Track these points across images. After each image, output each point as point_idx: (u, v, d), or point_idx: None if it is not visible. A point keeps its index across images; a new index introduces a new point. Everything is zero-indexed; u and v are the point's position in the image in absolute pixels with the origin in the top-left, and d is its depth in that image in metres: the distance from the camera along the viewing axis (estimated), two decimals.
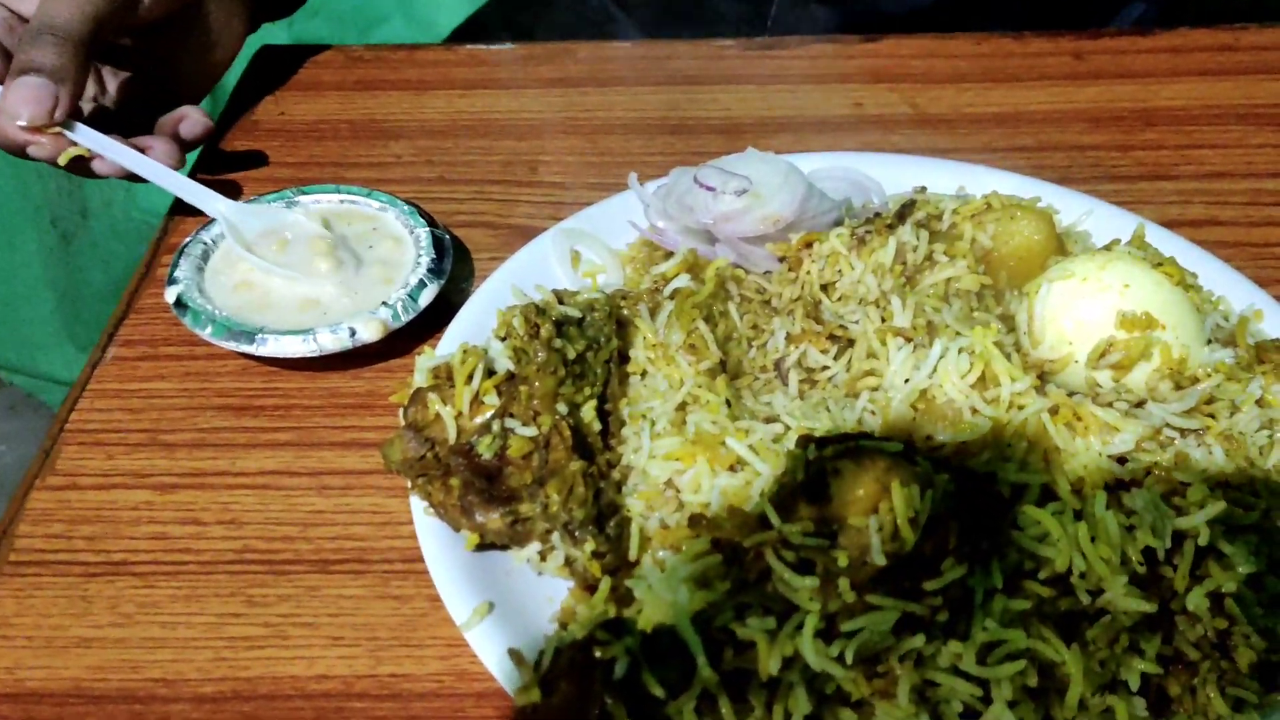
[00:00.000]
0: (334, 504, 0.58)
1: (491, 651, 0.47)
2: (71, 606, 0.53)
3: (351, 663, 0.51)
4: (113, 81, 0.75)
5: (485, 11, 1.27)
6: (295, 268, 0.65)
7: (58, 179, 1.67)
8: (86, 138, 0.68)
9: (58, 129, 0.67)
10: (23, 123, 0.65)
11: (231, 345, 0.62)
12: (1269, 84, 0.84)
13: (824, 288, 0.62)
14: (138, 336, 0.67)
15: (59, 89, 0.65)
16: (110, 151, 0.68)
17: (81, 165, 0.69)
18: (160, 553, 0.55)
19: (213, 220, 0.69)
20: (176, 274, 0.65)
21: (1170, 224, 0.69)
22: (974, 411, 0.50)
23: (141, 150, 0.70)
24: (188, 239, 0.68)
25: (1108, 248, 0.61)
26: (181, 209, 0.75)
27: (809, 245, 0.63)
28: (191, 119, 0.74)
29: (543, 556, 0.50)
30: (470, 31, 1.23)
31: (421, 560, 0.52)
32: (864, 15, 0.98)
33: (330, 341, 0.62)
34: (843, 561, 0.44)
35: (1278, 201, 0.74)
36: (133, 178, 0.69)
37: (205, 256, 0.68)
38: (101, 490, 0.58)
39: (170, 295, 0.64)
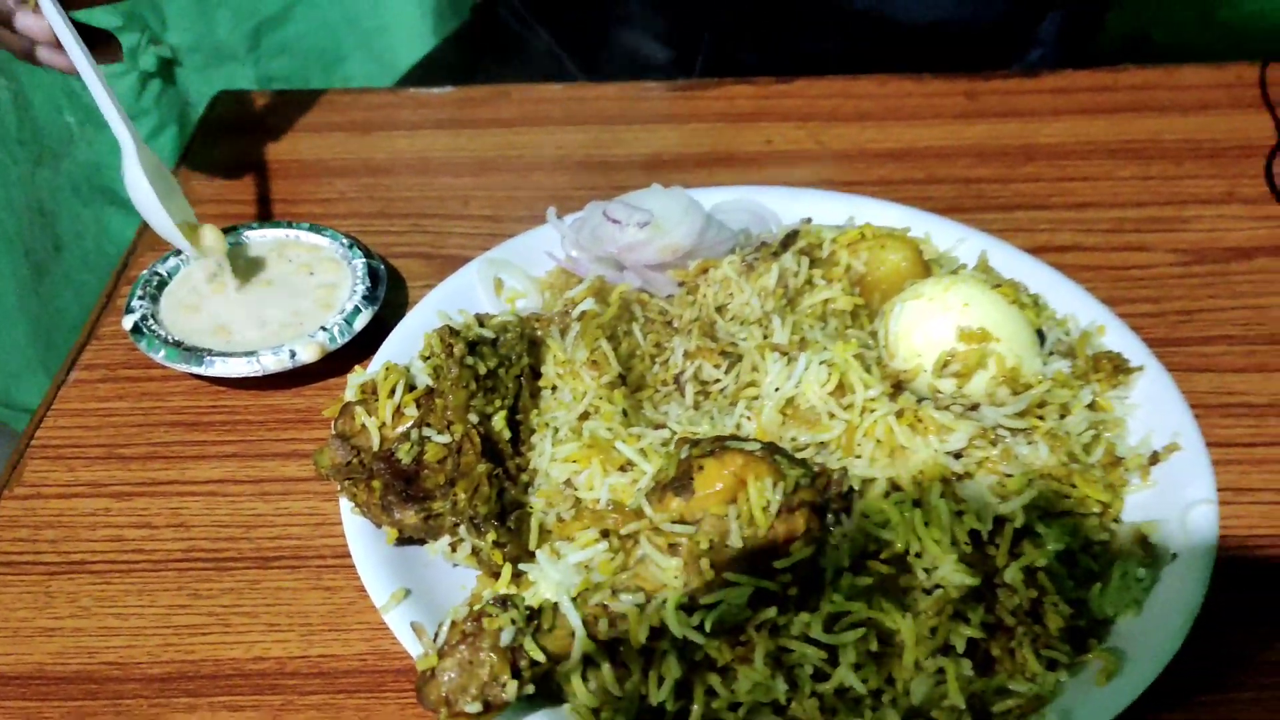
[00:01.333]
0: (274, 508, 0.64)
1: (406, 630, 0.54)
2: (35, 601, 0.59)
3: (286, 645, 0.57)
4: None
5: (442, 49, 1.35)
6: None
7: (30, 213, 1.73)
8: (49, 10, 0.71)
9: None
10: None
11: (182, 367, 0.69)
12: (1140, 121, 0.92)
13: (718, 309, 0.69)
14: (98, 361, 0.74)
15: None
16: (66, 41, 0.71)
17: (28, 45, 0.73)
18: (115, 553, 0.62)
19: (168, 254, 0.75)
20: (133, 303, 0.72)
21: (1039, 249, 0.77)
22: (831, 416, 0.57)
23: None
24: (144, 271, 0.75)
25: (954, 272, 0.69)
26: (139, 245, 0.82)
27: (705, 271, 0.70)
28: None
29: (453, 548, 0.57)
30: (427, 67, 1.31)
31: (350, 556, 0.58)
32: (786, 60, 1.07)
33: (272, 362, 0.68)
34: (704, 544, 0.50)
35: (1137, 229, 0.82)
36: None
37: (160, 287, 0.74)
38: (63, 499, 0.65)
39: (127, 323, 0.71)
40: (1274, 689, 0.54)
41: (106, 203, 1.97)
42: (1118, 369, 0.65)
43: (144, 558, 0.62)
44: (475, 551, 0.56)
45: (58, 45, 0.73)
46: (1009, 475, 0.54)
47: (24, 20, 0.72)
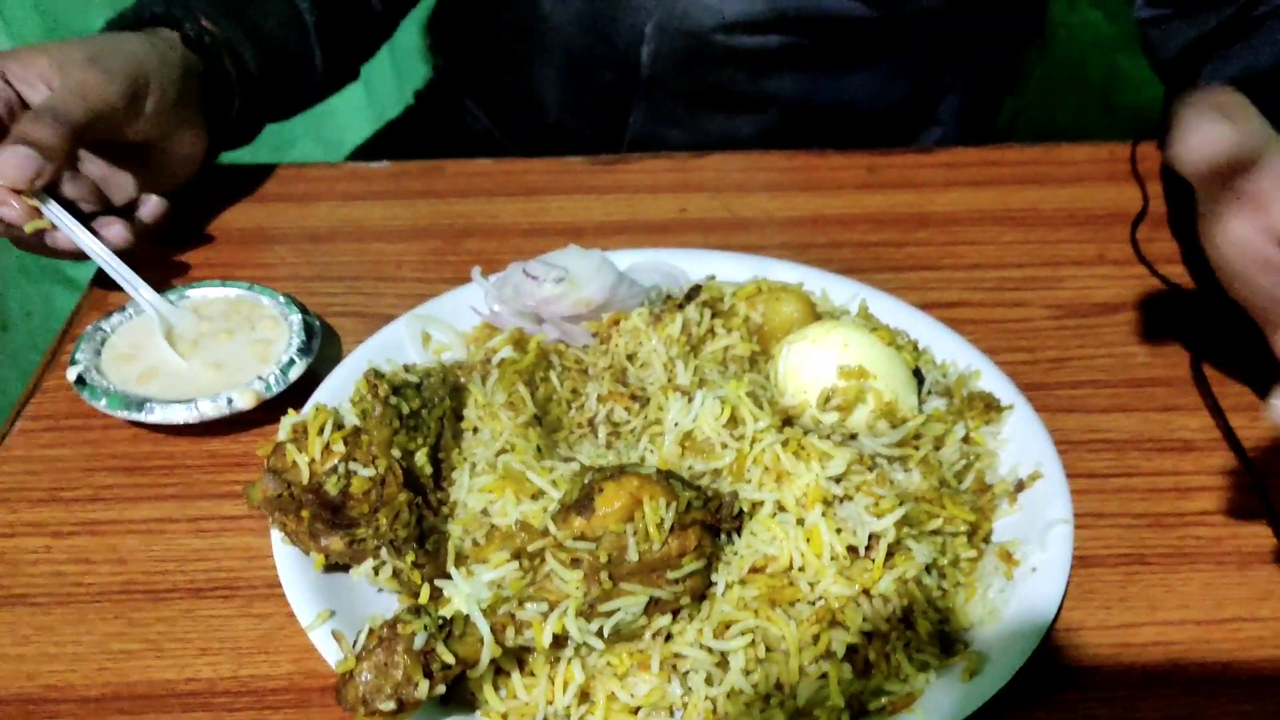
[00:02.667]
0: (209, 544, 0.68)
1: (330, 645, 0.58)
2: None
3: (217, 668, 0.61)
4: (87, 166, 0.86)
5: (385, 131, 1.42)
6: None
7: None
8: (53, 213, 0.79)
9: (33, 201, 0.78)
10: (4, 182, 0.75)
11: (124, 415, 0.73)
12: (1023, 192, 1.00)
13: (629, 357, 0.75)
14: (42, 412, 0.77)
15: (45, 163, 0.76)
16: (69, 229, 0.79)
17: (39, 238, 0.80)
18: (55, 587, 0.65)
19: (111, 311, 0.80)
20: (77, 356, 0.76)
21: (929, 305, 0.84)
22: (724, 445, 0.63)
23: (96, 230, 0.82)
24: (89, 327, 0.79)
25: (835, 318, 0.75)
26: (84, 306, 0.86)
27: (617, 323, 0.76)
28: (151, 203, 0.87)
29: (376, 571, 0.61)
30: (373, 147, 1.37)
31: (280, 585, 0.62)
32: (706, 136, 1.15)
33: (210, 409, 0.73)
34: (603, 558, 0.55)
35: (1017, 287, 0.89)
36: (81, 256, 0.81)
37: (103, 342, 0.79)
38: (6, 538, 0.68)
39: (71, 374, 0.75)
40: (1125, 688, 0.60)
41: (54, 281, 2.01)
42: (990, 407, 0.72)
43: (83, 590, 0.65)
44: (396, 573, 0.60)
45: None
46: (883, 496, 0.60)
47: (8, 213, 0.78)
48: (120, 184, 0.87)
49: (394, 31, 1.24)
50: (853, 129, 1.15)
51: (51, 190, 0.80)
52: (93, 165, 0.86)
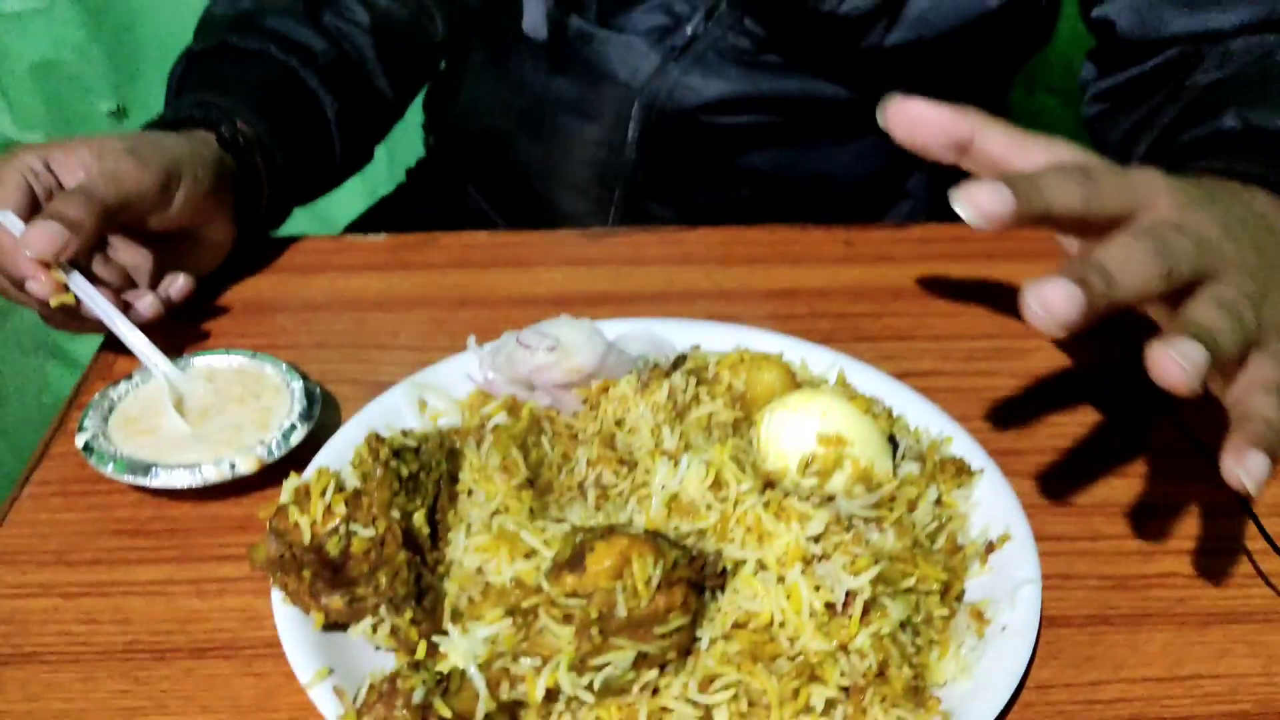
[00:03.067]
0: (210, 605, 0.71)
1: (328, 702, 0.60)
2: None
3: None
4: (119, 253, 0.91)
5: (379, 209, 1.47)
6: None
7: None
8: (79, 287, 0.83)
9: (61, 275, 0.81)
10: (31, 253, 0.79)
11: (129, 479, 0.76)
12: (992, 265, 1.05)
13: (617, 423, 0.78)
14: (50, 478, 0.80)
15: (73, 237, 0.80)
16: (94, 303, 0.83)
17: (64, 313, 0.84)
18: (64, 646, 0.67)
19: (119, 380, 0.83)
20: (85, 423, 0.79)
21: (904, 374, 0.88)
22: (708, 507, 0.66)
23: (128, 302, 0.86)
24: (95, 396, 0.82)
25: (815, 386, 0.79)
26: (90, 375, 0.89)
27: (606, 390, 0.80)
28: (179, 282, 0.91)
29: (374, 629, 0.63)
30: (366, 223, 1.42)
31: (280, 645, 0.65)
32: (689, 208, 1.20)
33: (213, 474, 0.76)
34: (594, 614, 0.58)
35: (987, 357, 0.93)
36: (102, 329, 0.86)
37: (110, 409, 0.82)
38: (15, 599, 0.70)
39: (79, 441, 0.78)
40: None
41: (49, 356, 2.04)
42: (961, 471, 0.75)
43: (89, 650, 0.67)
44: (394, 630, 0.63)
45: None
46: (859, 555, 0.63)
47: (35, 287, 0.82)
48: (149, 269, 0.91)
49: (404, 113, 1.30)
50: (829, 200, 1.20)
51: (81, 270, 0.84)
52: (124, 253, 0.90)
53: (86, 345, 0.94)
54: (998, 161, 0.67)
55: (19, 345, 1.86)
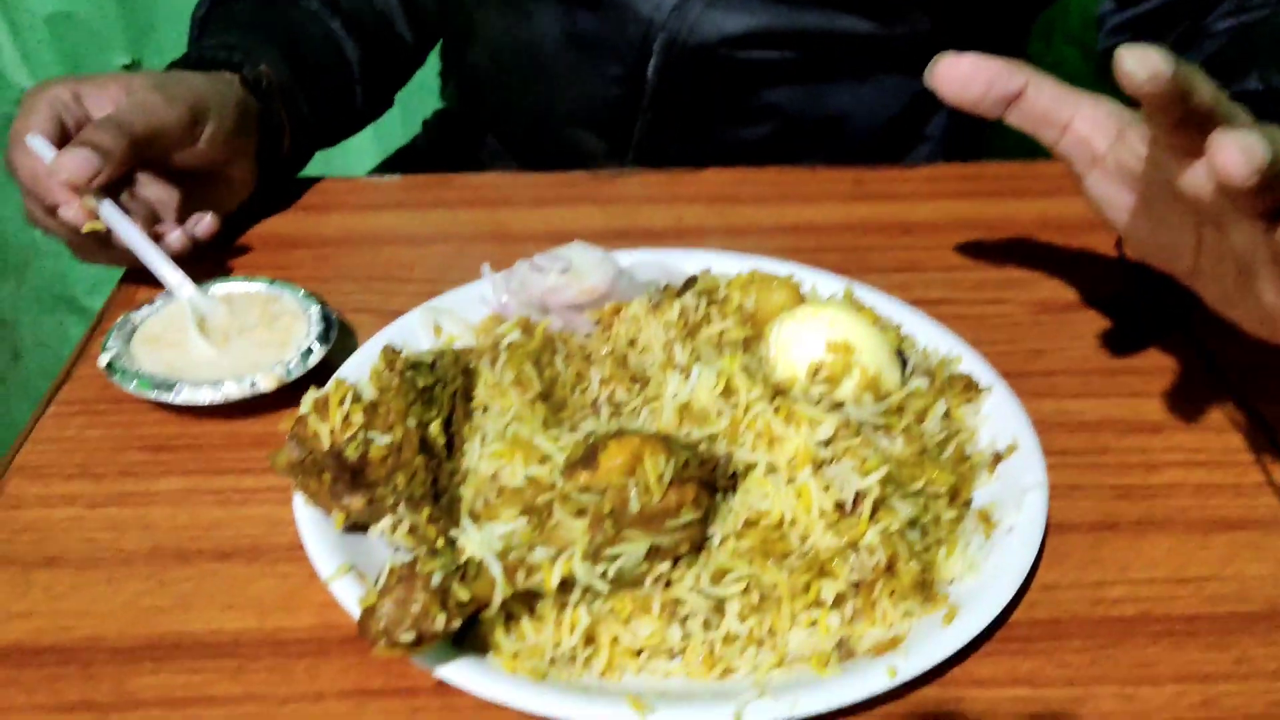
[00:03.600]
0: (232, 513, 0.72)
1: (349, 596, 0.61)
2: (14, 590, 0.66)
3: (242, 621, 0.64)
4: (145, 189, 0.92)
5: (394, 160, 1.48)
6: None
7: None
8: (108, 214, 0.85)
9: (92, 202, 0.83)
10: (65, 177, 0.81)
11: (153, 396, 0.77)
12: (1000, 203, 1.06)
13: (630, 343, 0.79)
14: (74, 398, 0.82)
15: (104, 164, 0.82)
16: (123, 230, 0.85)
17: (94, 240, 0.86)
18: (88, 551, 0.69)
19: (141, 306, 0.85)
20: (108, 343, 0.81)
21: (915, 302, 0.88)
22: (719, 413, 0.67)
23: (158, 234, 0.88)
24: (119, 319, 0.84)
25: (824, 302, 0.80)
26: (111, 306, 0.91)
27: (618, 311, 0.81)
28: (205, 220, 0.93)
29: (394, 528, 0.65)
30: (380, 173, 1.43)
31: (302, 550, 0.66)
32: (707, 148, 1.20)
33: (235, 390, 0.77)
34: (607, 508, 0.60)
35: (996, 287, 0.94)
36: (130, 260, 0.88)
37: (131, 333, 0.83)
38: (39, 509, 0.72)
39: (102, 360, 0.79)
40: (1098, 638, 0.64)
41: (68, 311, 2.06)
42: (969, 387, 0.76)
43: (114, 554, 0.69)
44: (413, 529, 0.64)
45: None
46: (868, 458, 0.64)
47: (67, 213, 0.84)
48: (175, 206, 0.93)
49: (424, 60, 1.31)
50: (847, 143, 1.21)
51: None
52: (151, 189, 0.92)
53: (104, 298, 0.95)
54: (1046, 114, 0.68)
55: (37, 300, 1.87)
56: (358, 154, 1.86)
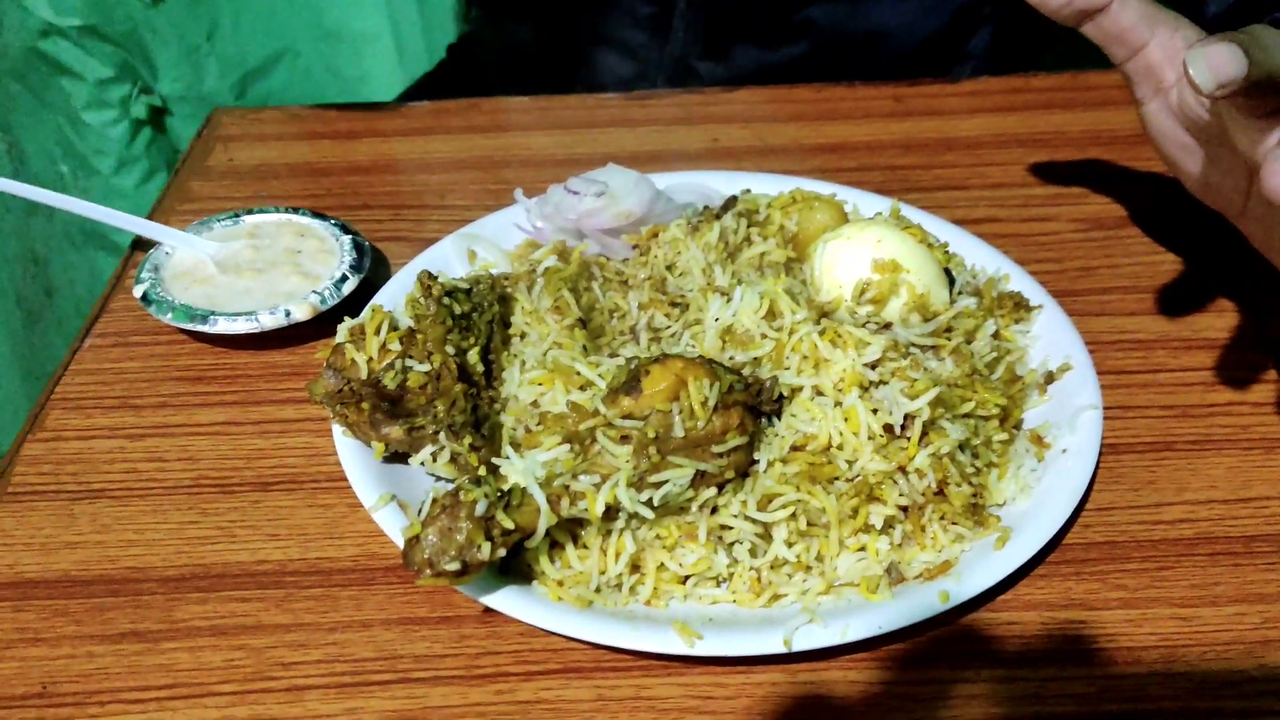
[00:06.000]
0: (272, 443, 0.72)
1: (392, 525, 0.61)
2: (59, 522, 0.66)
3: (286, 551, 0.64)
4: None
5: (417, 90, 1.45)
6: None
7: (23, 262, 1.81)
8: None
9: None
10: None
11: (188, 326, 0.76)
12: (1047, 116, 1.02)
13: (668, 267, 0.77)
14: (110, 330, 0.81)
15: None
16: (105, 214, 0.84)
17: None
18: (131, 482, 0.69)
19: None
20: (142, 275, 0.80)
21: (957, 221, 0.86)
22: (763, 336, 0.66)
23: None
24: (150, 252, 0.83)
25: (869, 220, 0.78)
26: (141, 243, 0.90)
27: (656, 235, 0.79)
28: None
29: (434, 457, 0.64)
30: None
31: (343, 480, 0.66)
32: (739, 67, 1.17)
33: (270, 321, 0.76)
34: (650, 434, 0.58)
35: (1043, 204, 0.91)
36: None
37: (163, 265, 0.82)
38: (82, 440, 0.72)
39: (137, 291, 0.79)
40: (1154, 560, 0.62)
41: (98, 248, 2.06)
42: (1019, 306, 0.74)
43: (157, 485, 0.69)
44: (454, 458, 0.63)
45: None
46: (917, 380, 0.62)
47: None
48: None
49: None
50: (885, 61, 1.16)
51: None
52: None
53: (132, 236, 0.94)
54: (1124, 33, 0.66)
55: (68, 238, 1.87)
56: (382, 81, 1.83)
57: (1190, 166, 0.68)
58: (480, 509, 0.55)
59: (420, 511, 0.56)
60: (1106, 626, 0.59)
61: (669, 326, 0.74)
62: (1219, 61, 0.51)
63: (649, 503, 0.58)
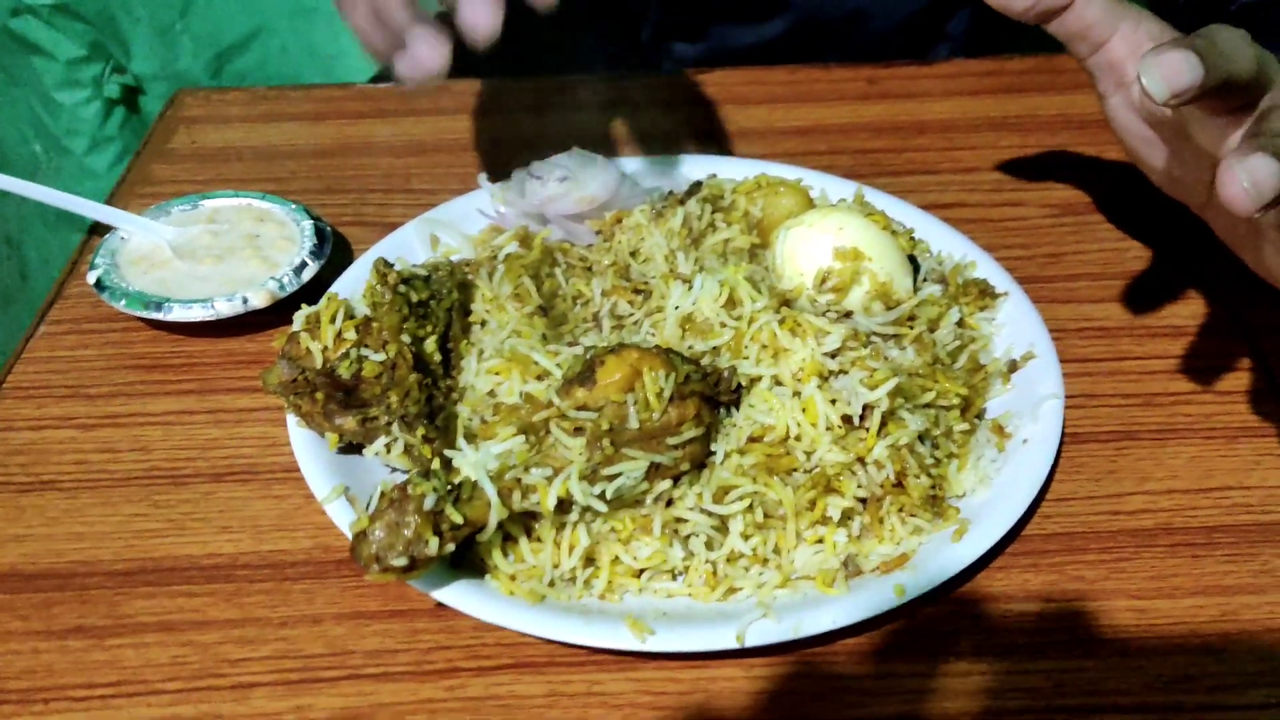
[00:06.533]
0: (228, 433, 0.71)
1: (344, 518, 0.60)
2: (7, 515, 0.65)
3: (238, 544, 0.63)
4: None
5: (386, 70, 1.43)
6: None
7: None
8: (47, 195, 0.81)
9: None
10: None
11: (143, 313, 0.75)
12: (1019, 100, 1.01)
13: (632, 253, 0.76)
14: (65, 317, 0.80)
15: None
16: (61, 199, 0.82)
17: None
18: (81, 474, 0.68)
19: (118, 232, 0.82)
20: (96, 260, 0.79)
21: (928, 206, 0.85)
22: (722, 325, 0.65)
23: None
24: (107, 236, 0.81)
25: (833, 206, 0.77)
26: (99, 226, 0.89)
27: (620, 220, 0.78)
28: None
29: (388, 448, 0.63)
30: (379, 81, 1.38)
31: (298, 470, 0.65)
32: (715, 48, 1.15)
33: (226, 308, 0.75)
34: (604, 426, 0.58)
35: (1014, 188, 0.90)
36: None
37: (119, 250, 0.81)
38: (33, 430, 0.71)
39: (91, 278, 0.77)
40: (1113, 552, 0.62)
41: (73, 230, 2.03)
42: (984, 293, 0.73)
43: (108, 476, 0.68)
44: (407, 449, 0.62)
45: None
46: (877, 369, 0.61)
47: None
48: None
49: None
50: (863, 41, 1.15)
51: None
52: None
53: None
54: (1087, 30, 0.65)
55: (42, 219, 1.85)
56: (359, 58, 1.81)
57: (1154, 160, 0.68)
58: (429, 503, 0.54)
59: (369, 506, 0.55)
60: (1063, 619, 0.58)
61: (632, 314, 0.73)
62: (1173, 71, 0.51)
63: (602, 496, 0.57)
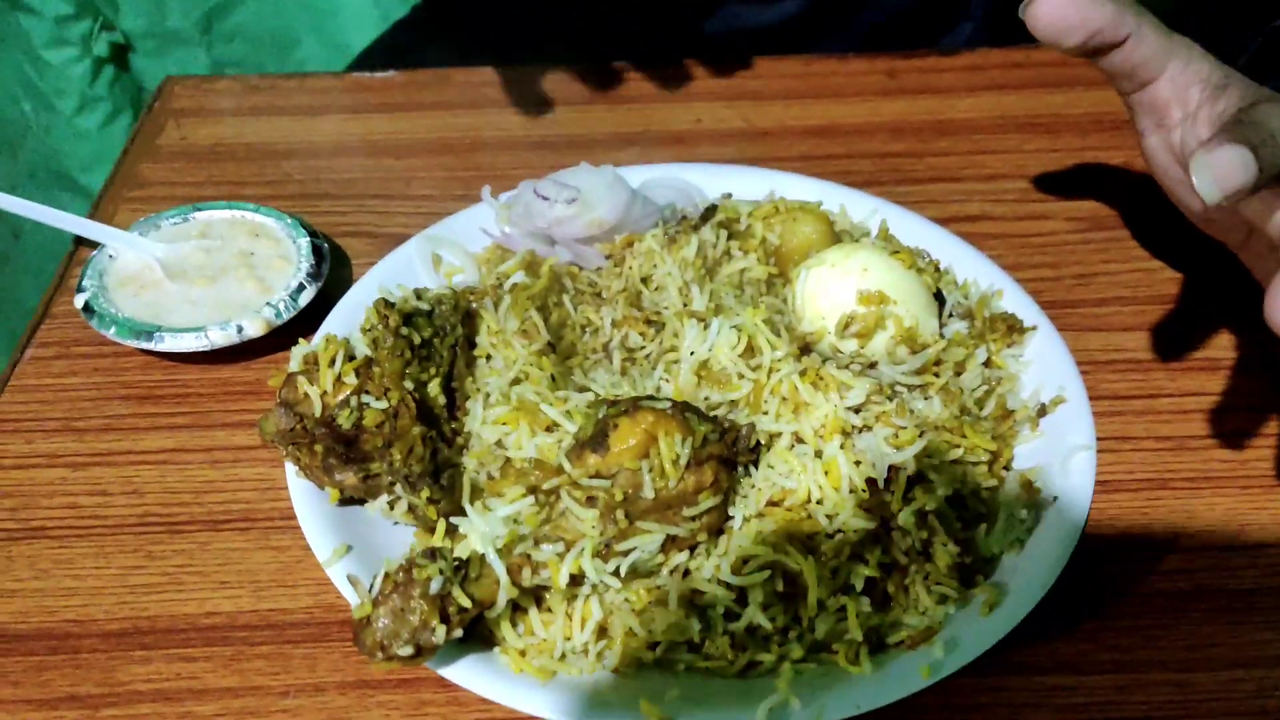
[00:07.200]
0: (224, 474, 0.68)
1: (347, 584, 0.57)
2: None
3: (236, 601, 0.61)
4: None
5: (393, 32, 1.38)
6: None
7: None
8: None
9: None
10: None
11: (133, 343, 0.72)
12: (1048, 96, 0.97)
13: (643, 280, 0.73)
14: (52, 339, 0.77)
15: None
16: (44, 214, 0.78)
17: None
18: (73, 519, 0.65)
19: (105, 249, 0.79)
20: (84, 283, 0.75)
21: (950, 219, 0.82)
22: (740, 376, 0.62)
23: None
24: (94, 253, 0.78)
25: (854, 239, 0.73)
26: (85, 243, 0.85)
27: (631, 244, 0.74)
28: None
29: (391, 506, 0.61)
30: (378, 49, 1.33)
31: (296, 517, 0.62)
32: (725, 34, 1.10)
33: (220, 337, 0.72)
34: (619, 496, 0.55)
35: (1041, 199, 0.87)
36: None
37: (107, 267, 0.77)
38: (21, 469, 0.68)
39: (79, 301, 0.74)
40: (1147, 616, 0.59)
41: (64, 189, 1.99)
42: (1012, 329, 0.70)
43: (100, 523, 0.65)
44: (411, 508, 0.60)
45: None
46: (903, 427, 0.59)
47: None
48: None
49: None
50: (882, 20, 1.10)
51: None
52: None
53: (101, 175, 0.88)
54: (1135, 69, 0.62)
55: (33, 178, 1.81)
56: (355, 15, 1.75)
57: (1191, 202, 0.65)
58: (435, 586, 0.52)
59: (371, 587, 0.53)
60: (1096, 694, 0.56)
61: (643, 347, 0.70)
62: (1225, 172, 0.48)
63: (616, 572, 0.54)
